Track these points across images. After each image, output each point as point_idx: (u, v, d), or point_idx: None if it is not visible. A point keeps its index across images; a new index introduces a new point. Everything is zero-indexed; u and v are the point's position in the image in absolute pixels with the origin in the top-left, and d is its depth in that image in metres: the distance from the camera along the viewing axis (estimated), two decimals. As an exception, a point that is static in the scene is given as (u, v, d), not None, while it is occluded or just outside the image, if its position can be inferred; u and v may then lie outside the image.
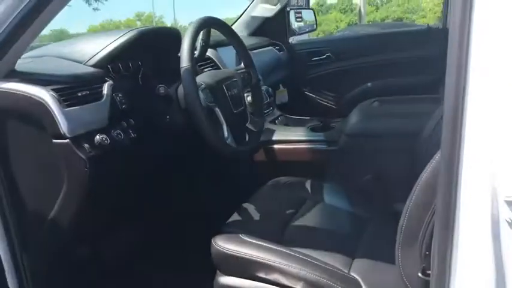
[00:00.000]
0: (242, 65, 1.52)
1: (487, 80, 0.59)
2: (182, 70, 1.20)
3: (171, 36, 1.44)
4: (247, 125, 1.44)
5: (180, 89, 1.33)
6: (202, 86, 1.27)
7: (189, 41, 1.22)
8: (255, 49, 2.13)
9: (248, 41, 2.03)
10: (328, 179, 1.61)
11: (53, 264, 1.26)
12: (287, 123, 1.92)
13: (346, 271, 1.11)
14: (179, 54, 1.24)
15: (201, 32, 1.39)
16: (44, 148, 1.08)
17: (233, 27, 2.25)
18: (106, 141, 1.12)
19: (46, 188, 1.15)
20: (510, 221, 0.60)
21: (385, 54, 2.42)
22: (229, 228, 1.26)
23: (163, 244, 1.69)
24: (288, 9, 2.53)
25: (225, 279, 1.19)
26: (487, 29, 0.59)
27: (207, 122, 1.19)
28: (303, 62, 2.56)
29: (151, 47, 1.40)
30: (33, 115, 1.06)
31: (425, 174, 0.91)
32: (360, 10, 17.88)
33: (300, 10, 2.75)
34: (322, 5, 24.44)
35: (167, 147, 1.41)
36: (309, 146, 1.66)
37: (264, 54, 2.26)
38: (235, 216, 1.34)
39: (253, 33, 2.45)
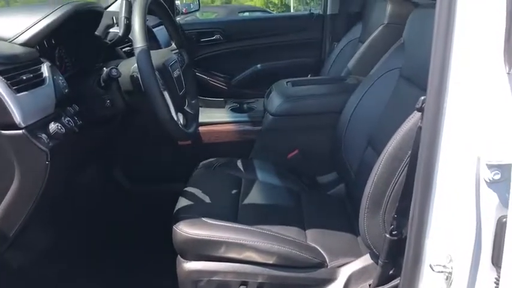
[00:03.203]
0: (173, 45, 1.46)
1: (471, 61, 0.69)
2: (138, 51, 1.10)
3: (95, 13, 1.31)
4: (185, 107, 1.41)
5: (124, 71, 1.22)
6: None
7: (141, 18, 1.13)
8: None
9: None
10: (255, 157, 1.68)
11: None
12: (201, 105, 1.90)
13: (304, 241, 1.21)
14: (98, 32, 1.11)
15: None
16: None
17: (115, 4, 2.11)
18: (62, 130, 0.99)
19: None
20: (489, 181, 0.72)
21: (272, 37, 2.55)
22: (186, 213, 1.24)
23: (109, 244, 1.56)
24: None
25: (192, 265, 1.17)
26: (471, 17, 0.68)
27: (166, 107, 1.14)
28: (192, 43, 2.52)
29: (78, 24, 1.25)
30: None
31: (389, 148, 1.01)
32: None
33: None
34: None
35: (107, 135, 1.29)
36: (235, 126, 1.70)
37: (159, 34, 2.17)
38: (184, 202, 1.32)
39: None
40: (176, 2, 2.63)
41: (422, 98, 0.82)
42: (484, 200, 0.73)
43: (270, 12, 9.38)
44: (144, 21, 1.14)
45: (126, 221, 1.67)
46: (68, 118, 1.05)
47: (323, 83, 1.86)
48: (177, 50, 1.44)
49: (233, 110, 1.81)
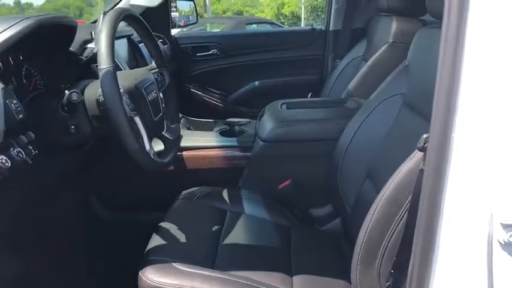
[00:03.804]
0: (153, 64, 1.33)
1: (482, 94, 0.58)
2: (102, 72, 0.98)
3: (68, 27, 1.19)
4: (164, 133, 1.27)
5: (91, 94, 1.09)
6: (121, 90, 1.06)
7: (108, 36, 1.01)
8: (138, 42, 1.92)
9: (129, 32, 1.82)
10: (244, 186, 1.55)
11: None
12: (189, 127, 1.78)
13: None
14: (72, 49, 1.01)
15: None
16: None
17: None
18: (6, 164, 0.86)
19: None
20: (503, 243, 0.61)
21: (271, 53, 2.43)
22: (156, 256, 1.10)
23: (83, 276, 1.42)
24: (171, -1, 2.35)
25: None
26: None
27: (133, 136, 1.01)
28: (187, 57, 2.41)
29: (48, 39, 1.13)
30: None
31: (387, 190, 0.89)
32: (205, 1, 18.06)
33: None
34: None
35: (70, 164, 1.16)
36: (223, 152, 1.56)
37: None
38: (157, 240, 1.18)
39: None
40: (173, 14, 2.52)
41: (425, 136, 0.69)
42: (498, 265, 0.62)
43: (278, 25, 9.29)
44: (112, 39, 1.02)
45: (103, 252, 1.53)
46: (19, 149, 0.91)
47: (320, 106, 1.73)
48: (156, 70, 1.31)
49: (222, 133, 1.68)
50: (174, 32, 2.48)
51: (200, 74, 2.44)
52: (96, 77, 1.18)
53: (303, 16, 21.27)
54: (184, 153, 1.56)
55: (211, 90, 2.44)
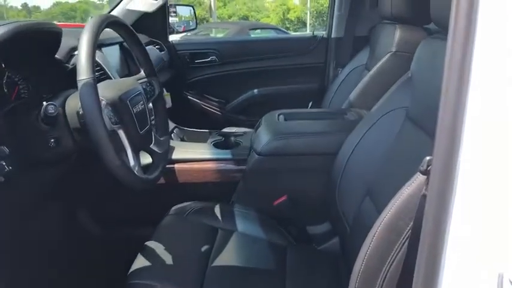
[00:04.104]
0: (142, 73, 1.26)
1: (493, 112, 0.50)
2: (81, 84, 0.92)
3: (51, 34, 1.12)
4: (152, 146, 1.20)
5: (72, 106, 1.03)
6: (104, 102, 1.00)
7: (89, 45, 0.94)
8: None
9: (121, 38, 1.75)
10: (237, 201, 1.48)
11: None
12: (183, 138, 1.70)
13: None
14: (58, 56, 1.01)
15: None
16: None
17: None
18: None
19: None
20: None
21: (271, 60, 2.36)
22: (139, 279, 1.03)
23: None
24: (168, 4, 2.29)
25: None
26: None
27: (114, 152, 0.94)
28: (185, 64, 2.34)
29: (31, 46, 1.07)
30: None
31: (387, 216, 0.82)
32: (210, 5, 18.10)
33: (175, 5, 2.54)
34: (169, -3, 24.02)
35: (53, 178, 1.10)
36: (216, 165, 1.49)
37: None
38: (142, 261, 1.11)
39: (129, 29, 2.14)
40: (171, 20, 2.46)
41: (428, 158, 0.62)
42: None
43: (282, 31, 9.24)
44: (93, 47, 0.95)
45: (89, 268, 1.46)
46: None
47: (319, 118, 1.65)
48: (145, 79, 1.25)
49: (216, 144, 1.60)
50: (173, 37, 2.43)
51: (198, 81, 2.37)
52: None
53: (308, 22, 21.27)
54: (176, 165, 1.49)
55: (209, 98, 2.38)
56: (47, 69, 1.20)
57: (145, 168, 1.18)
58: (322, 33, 2.38)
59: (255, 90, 2.37)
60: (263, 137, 1.43)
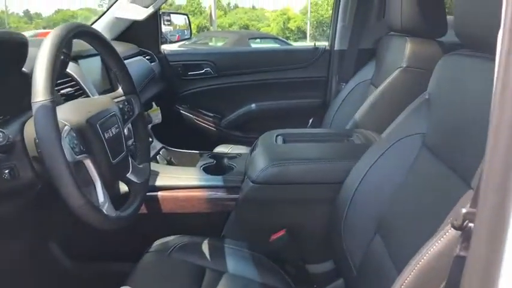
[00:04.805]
0: (120, 90, 1.11)
1: None
2: (36, 107, 0.76)
3: (17, 44, 0.97)
4: (129, 175, 1.04)
5: (29, 131, 0.87)
6: (67, 127, 0.84)
7: (48, 61, 0.79)
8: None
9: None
10: (229, 235, 1.31)
11: None
12: (170, 160, 1.54)
13: None
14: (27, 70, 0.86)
15: None
16: None
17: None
18: None
19: None
20: None
21: (269, 73, 2.22)
22: None
23: None
24: (161, 12, 2.15)
25: None
26: None
27: (76, 188, 0.78)
28: (177, 76, 2.19)
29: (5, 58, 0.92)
30: None
31: (409, 278, 0.67)
32: (210, 14, 18.12)
33: (169, 13, 2.41)
34: (171, 5, 24.09)
35: (25, 209, 0.95)
36: (205, 193, 1.32)
37: (133, 66, 1.83)
38: None
39: (117, 38, 2.00)
40: (165, 29, 2.32)
41: (464, 211, 0.48)
42: None
43: (282, 41, 9.16)
44: (53, 64, 0.79)
45: None
46: None
47: (322, 140, 1.49)
48: (123, 97, 1.09)
49: (206, 169, 1.44)
50: (168, 47, 2.28)
51: (191, 94, 2.22)
52: None
53: (308, 31, 21.29)
54: (159, 193, 1.32)
55: (203, 113, 2.22)
56: (12, 84, 1.04)
57: (123, 199, 1.02)
58: (324, 44, 2.23)
59: (253, 105, 2.22)
60: (259, 163, 1.27)
